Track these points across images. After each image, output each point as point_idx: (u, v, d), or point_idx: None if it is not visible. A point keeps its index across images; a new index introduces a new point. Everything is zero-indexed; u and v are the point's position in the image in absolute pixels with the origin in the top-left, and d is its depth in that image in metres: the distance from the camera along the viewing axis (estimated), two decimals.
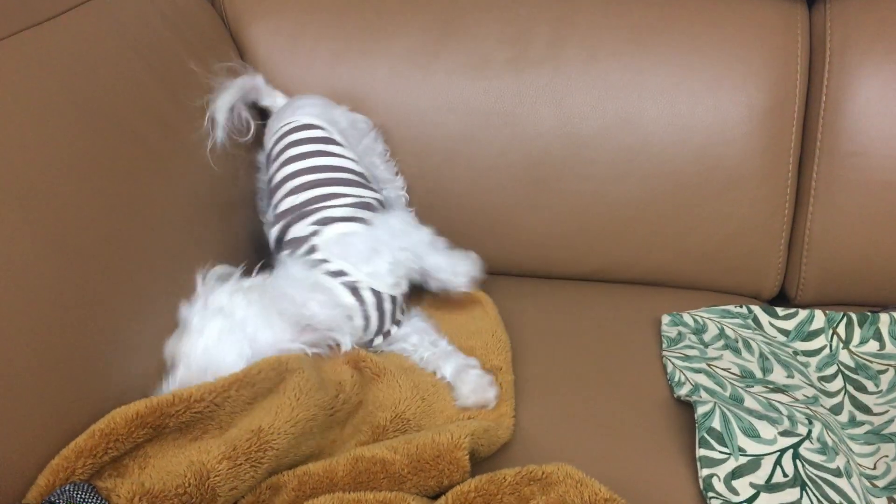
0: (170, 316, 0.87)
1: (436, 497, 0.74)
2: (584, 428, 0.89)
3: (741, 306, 1.10)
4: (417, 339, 0.99)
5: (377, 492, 0.72)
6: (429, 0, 1.21)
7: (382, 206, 1.06)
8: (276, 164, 1.06)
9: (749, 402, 0.90)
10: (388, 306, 0.97)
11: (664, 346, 1.02)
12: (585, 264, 1.20)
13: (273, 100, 1.19)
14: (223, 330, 0.83)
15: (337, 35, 1.21)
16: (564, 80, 1.15)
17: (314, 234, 0.98)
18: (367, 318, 0.95)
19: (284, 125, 1.09)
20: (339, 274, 0.95)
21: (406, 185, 1.20)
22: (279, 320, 0.87)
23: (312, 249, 0.97)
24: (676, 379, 0.95)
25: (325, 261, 0.96)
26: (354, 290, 0.95)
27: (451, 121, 1.18)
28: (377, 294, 0.96)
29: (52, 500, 0.68)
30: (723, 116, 1.12)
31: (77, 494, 0.69)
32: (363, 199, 1.03)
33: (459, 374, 0.92)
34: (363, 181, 1.07)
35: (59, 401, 0.73)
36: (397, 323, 1.01)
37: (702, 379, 0.95)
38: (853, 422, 0.93)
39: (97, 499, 0.70)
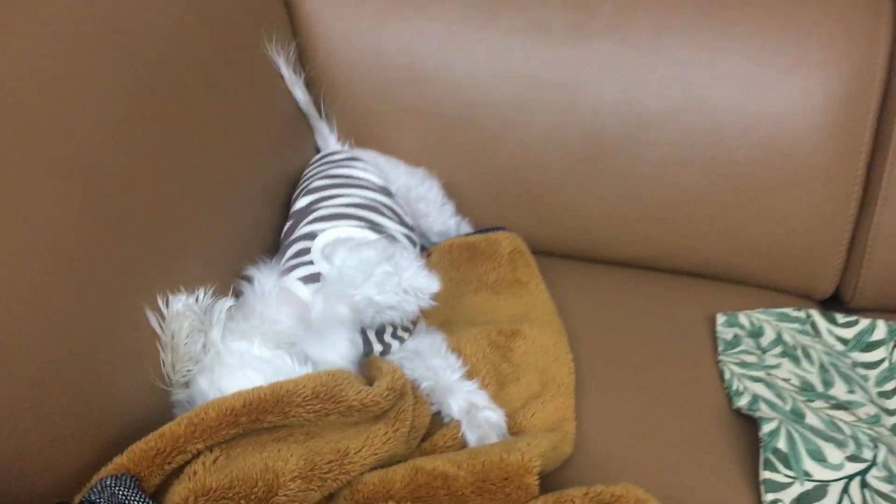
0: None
1: None
2: (644, 439, 0.86)
3: (799, 309, 1.05)
4: (418, 363, 0.86)
5: None
6: None
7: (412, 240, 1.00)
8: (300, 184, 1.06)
9: (811, 419, 0.86)
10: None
11: (720, 349, 0.98)
12: (635, 250, 1.15)
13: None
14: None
15: None
16: (630, 52, 1.08)
17: (308, 235, 0.91)
18: None
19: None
20: (312, 279, 0.85)
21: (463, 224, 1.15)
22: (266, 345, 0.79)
23: (304, 252, 0.89)
24: (734, 388, 0.91)
25: (307, 263, 0.87)
26: None
27: (503, 87, 1.11)
28: None
29: (93, 498, 0.64)
30: (795, 104, 1.05)
31: (119, 490, 0.65)
32: (373, 202, 0.98)
33: (469, 415, 0.82)
34: (382, 192, 1.02)
35: (92, 368, 0.68)
36: (398, 338, 0.89)
37: (761, 389, 0.91)
38: None
39: (140, 495, 0.65)
